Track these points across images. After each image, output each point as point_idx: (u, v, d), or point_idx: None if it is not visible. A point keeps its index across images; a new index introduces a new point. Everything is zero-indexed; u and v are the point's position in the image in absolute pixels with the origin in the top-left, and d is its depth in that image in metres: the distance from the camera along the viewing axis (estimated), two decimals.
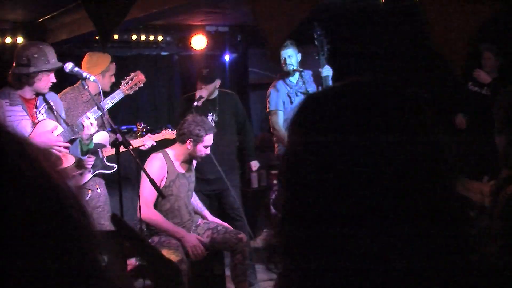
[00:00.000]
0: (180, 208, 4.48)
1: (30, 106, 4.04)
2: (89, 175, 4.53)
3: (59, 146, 4.01)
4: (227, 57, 7.16)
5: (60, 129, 4.12)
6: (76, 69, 4.22)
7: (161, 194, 3.97)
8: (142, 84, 4.65)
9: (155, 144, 4.90)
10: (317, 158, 0.84)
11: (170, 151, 4.49)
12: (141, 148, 4.82)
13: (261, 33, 1.46)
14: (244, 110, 5.74)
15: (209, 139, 4.42)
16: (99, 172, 4.60)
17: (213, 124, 5.04)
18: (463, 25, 1.25)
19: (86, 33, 5.44)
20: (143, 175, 4.01)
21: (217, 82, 5.36)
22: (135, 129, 5.50)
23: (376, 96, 0.88)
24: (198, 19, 6.45)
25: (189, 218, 4.56)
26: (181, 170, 4.48)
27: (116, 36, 6.32)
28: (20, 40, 5.91)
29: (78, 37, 5.67)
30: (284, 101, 5.40)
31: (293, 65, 5.37)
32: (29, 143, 0.63)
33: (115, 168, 4.28)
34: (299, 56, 5.40)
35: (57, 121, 4.17)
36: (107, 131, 4.66)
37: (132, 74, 4.63)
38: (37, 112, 4.06)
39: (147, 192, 4.24)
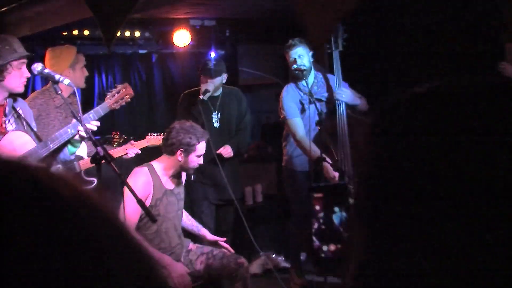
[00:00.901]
0: (168, 231, 4.19)
1: None
2: None
3: None
4: (212, 55, 6.76)
5: (31, 144, 3.77)
6: (47, 70, 3.87)
7: (151, 218, 3.67)
8: (130, 99, 4.25)
9: (139, 152, 4.59)
10: (425, 180, 0.69)
11: (156, 164, 4.18)
12: (124, 157, 4.55)
13: (303, 27, 1.34)
14: (247, 108, 5.58)
15: (201, 147, 4.18)
16: None
17: (218, 124, 5.04)
18: None
19: (51, 28, 5.33)
20: (125, 191, 3.68)
21: (224, 76, 5.25)
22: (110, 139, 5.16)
23: (497, 100, 0.72)
24: (181, 12, 6.10)
25: (179, 242, 4.26)
26: (169, 186, 4.20)
27: (86, 32, 6.07)
28: None
29: (41, 33, 5.44)
30: (298, 107, 5.19)
31: (305, 66, 5.10)
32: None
33: (95, 183, 4.06)
34: (311, 54, 5.12)
35: (27, 133, 3.89)
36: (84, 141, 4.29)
37: (120, 87, 4.20)
38: (6, 121, 3.82)
39: (129, 212, 3.89)
